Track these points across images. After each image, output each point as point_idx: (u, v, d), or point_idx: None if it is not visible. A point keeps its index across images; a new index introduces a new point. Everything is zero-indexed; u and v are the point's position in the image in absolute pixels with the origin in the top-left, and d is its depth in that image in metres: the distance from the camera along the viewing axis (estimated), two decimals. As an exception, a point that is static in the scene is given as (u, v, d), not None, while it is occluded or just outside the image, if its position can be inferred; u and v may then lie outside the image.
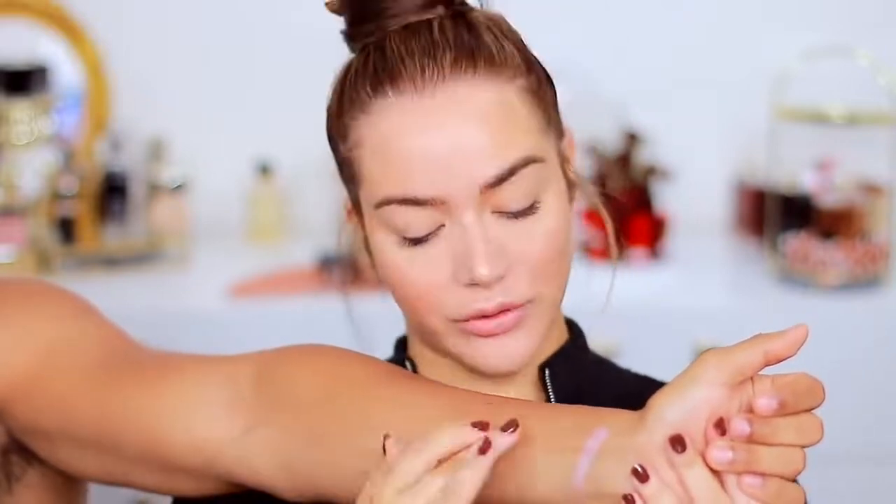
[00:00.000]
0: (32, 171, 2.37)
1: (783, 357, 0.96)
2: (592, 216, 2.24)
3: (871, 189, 2.37)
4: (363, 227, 1.15)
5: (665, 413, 0.96)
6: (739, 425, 0.94)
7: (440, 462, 0.98)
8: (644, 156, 2.43)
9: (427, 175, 1.07)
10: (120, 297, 2.20)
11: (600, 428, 0.99)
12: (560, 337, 1.19)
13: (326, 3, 1.14)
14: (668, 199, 2.45)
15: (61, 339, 1.21)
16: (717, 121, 2.61)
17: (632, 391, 1.13)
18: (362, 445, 1.07)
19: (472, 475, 0.96)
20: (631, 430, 0.97)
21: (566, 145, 1.16)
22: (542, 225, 1.10)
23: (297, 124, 2.40)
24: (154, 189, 2.41)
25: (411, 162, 1.08)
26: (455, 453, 0.98)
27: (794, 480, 0.96)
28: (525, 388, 1.16)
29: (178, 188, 2.42)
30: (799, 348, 0.96)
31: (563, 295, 1.15)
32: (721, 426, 0.95)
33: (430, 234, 1.09)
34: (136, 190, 2.48)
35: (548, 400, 1.16)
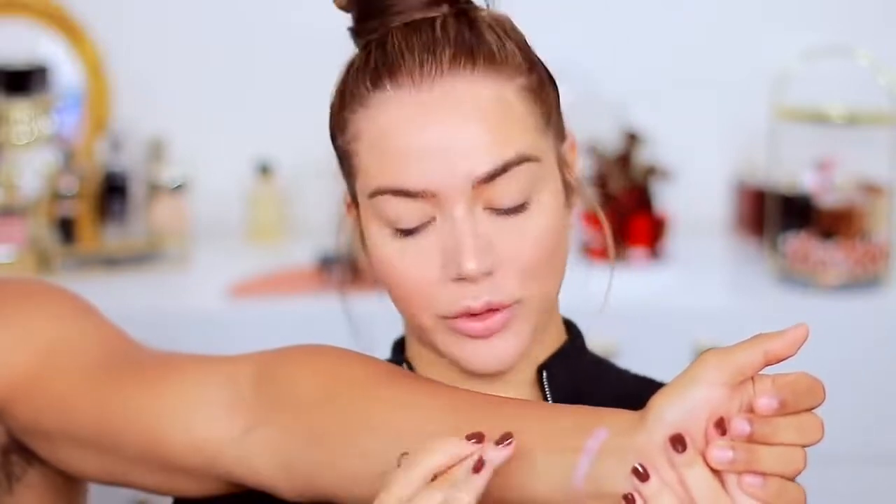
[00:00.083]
0: (32, 171, 2.37)
1: (783, 357, 0.96)
2: (592, 217, 2.24)
3: (871, 189, 2.37)
4: (359, 220, 1.15)
5: (665, 413, 0.96)
6: (740, 425, 0.94)
7: (436, 476, 0.98)
8: (644, 156, 2.43)
9: (420, 167, 1.08)
10: (120, 297, 2.20)
11: (600, 428, 0.99)
12: (558, 338, 1.19)
13: (335, 0, 1.15)
14: (668, 199, 2.45)
15: (61, 339, 1.21)
16: (717, 121, 2.61)
17: (631, 392, 1.14)
18: (362, 445, 1.07)
19: (468, 494, 0.97)
20: (631, 430, 0.97)
21: (567, 149, 1.17)
22: (534, 224, 1.10)
23: (297, 124, 2.40)
24: (154, 189, 2.41)
25: (406, 154, 1.08)
26: (451, 466, 0.98)
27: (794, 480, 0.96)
28: (523, 390, 1.16)
29: (178, 188, 2.42)
30: (799, 348, 0.96)
31: (555, 297, 1.16)
32: (721, 426, 0.95)
33: (420, 225, 1.10)
34: (136, 190, 2.48)
35: (545, 401, 1.16)
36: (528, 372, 1.17)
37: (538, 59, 1.15)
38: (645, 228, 2.37)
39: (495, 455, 0.98)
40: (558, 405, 1.08)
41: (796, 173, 2.39)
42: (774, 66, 2.42)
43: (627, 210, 2.36)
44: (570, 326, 1.22)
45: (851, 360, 2.15)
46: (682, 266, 2.38)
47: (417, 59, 1.09)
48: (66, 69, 2.51)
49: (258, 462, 1.12)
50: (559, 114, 1.16)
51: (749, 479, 0.94)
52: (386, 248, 1.11)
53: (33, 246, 2.31)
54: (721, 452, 0.94)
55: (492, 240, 1.09)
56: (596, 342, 1.24)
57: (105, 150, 2.47)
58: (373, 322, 1.25)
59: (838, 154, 2.41)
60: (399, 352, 1.22)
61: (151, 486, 1.20)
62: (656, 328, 2.16)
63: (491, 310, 1.10)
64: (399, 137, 1.09)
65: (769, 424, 0.94)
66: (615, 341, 2.09)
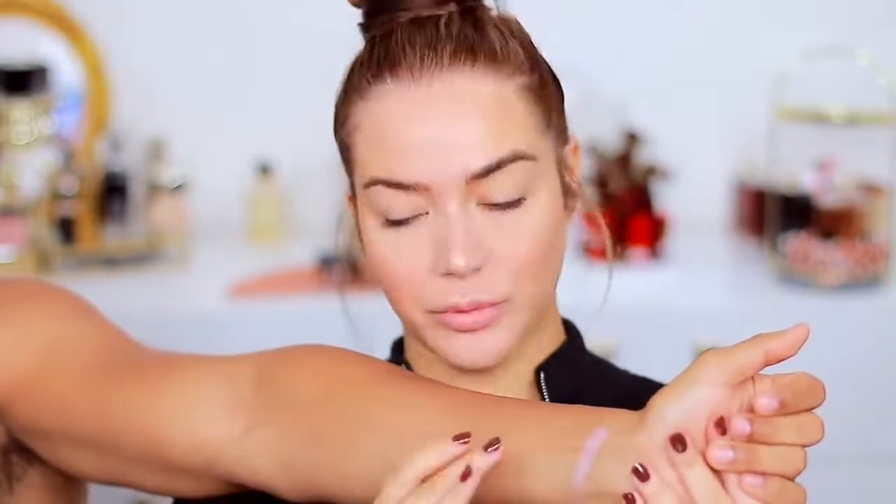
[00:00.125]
0: (32, 171, 2.37)
1: (783, 357, 0.96)
2: (592, 218, 2.24)
3: (871, 189, 2.37)
4: (357, 214, 1.16)
5: (665, 413, 0.96)
6: (740, 425, 0.94)
7: (426, 478, 0.98)
8: (644, 156, 2.43)
9: (416, 160, 1.08)
10: (120, 297, 2.20)
11: (600, 428, 0.99)
12: (557, 338, 1.19)
13: None
14: (668, 199, 2.45)
15: (61, 339, 1.21)
16: (717, 121, 2.60)
17: (630, 392, 1.13)
18: (362, 445, 1.07)
19: (456, 502, 0.96)
20: (631, 430, 0.97)
21: (569, 151, 1.17)
22: (529, 221, 1.10)
23: (297, 124, 2.41)
24: (154, 189, 2.41)
25: (402, 147, 1.09)
26: (440, 469, 0.98)
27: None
28: (521, 390, 1.17)
29: (178, 188, 2.42)
30: (799, 348, 0.96)
31: (549, 296, 1.16)
32: (722, 425, 0.95)
33: (412, 217, 1.10)
34: (136, 190, 2.48)
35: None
36: (525, 372, 1.17)
37: (543, 60, 1.15)
38: (645, 228, 2.37)
39: (482, 461, 0.98)
40: (558, 405, 1.08)
41: (796, 173, 2.39)
42: (774, 66, 2.42)
43: (627, 210, 2.36)
44: (569, 327, 1.22)
45: (851, 360, 2.15)
46: (682, 266, 2.38)
47: (418, 54, 1.10)
48: (66, 69, 2.51)
49: (258, 462, 1.12)
50: (562, 116, 1.16)
51: (749, 479, 0.94)
52: (377, 239, 1.12)
53: (33, 246, 2.31)
54: (721, 452, 0.94)
55: (484, 235, 1.09)
56: (596, 342, 1.24)
57: (105, 150, 2.47)
58: (373, 322, 1.25)
59: (838, 154, 2.41)
60: (398, 352, 1.22)
61: (151, 486, 1.20)
62: (656, 328, 2.16)
63: (477, 307, 1.10)
64: (396, 130, 1.09)
65: (769, 424, 0.94)
66: (615, 341, 2.09)
